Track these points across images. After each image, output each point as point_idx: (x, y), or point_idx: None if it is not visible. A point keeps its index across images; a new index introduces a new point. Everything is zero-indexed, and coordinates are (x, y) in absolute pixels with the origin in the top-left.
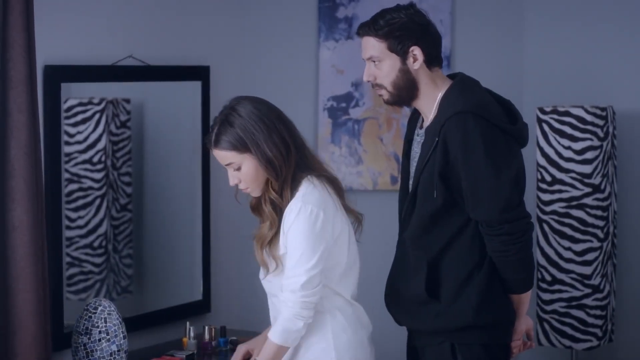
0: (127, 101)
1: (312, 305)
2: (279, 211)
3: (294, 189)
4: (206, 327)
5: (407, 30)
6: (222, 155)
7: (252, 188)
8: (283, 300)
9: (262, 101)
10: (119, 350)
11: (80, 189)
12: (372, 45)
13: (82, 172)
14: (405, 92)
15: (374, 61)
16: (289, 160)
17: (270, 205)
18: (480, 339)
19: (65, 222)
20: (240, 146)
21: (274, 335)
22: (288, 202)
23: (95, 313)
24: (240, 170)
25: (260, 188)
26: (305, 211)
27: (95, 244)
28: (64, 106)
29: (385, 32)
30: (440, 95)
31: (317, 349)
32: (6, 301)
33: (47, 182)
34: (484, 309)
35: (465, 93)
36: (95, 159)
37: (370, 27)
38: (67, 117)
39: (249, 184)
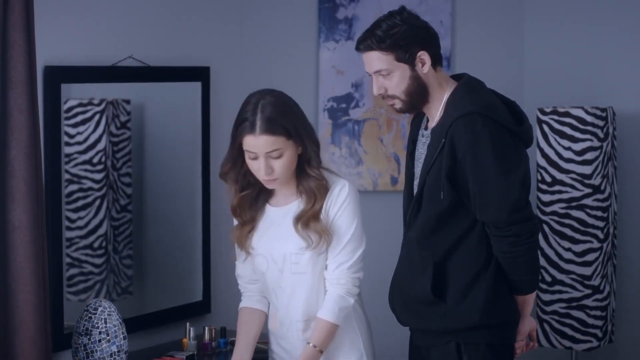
0: (127, 102)
1: (359, 283)
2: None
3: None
4: (206, 328)
5: (410, 37)
6: (271, 141)
7: (284, 178)
8: (331, 278)
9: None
10: (119, 351)
11: (81, 190)
12: (378, 59)
13: (82, 173)
14: (417, 98)
15: (383, 74)
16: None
17: (314, 182)
18: (487, 338)
19: (66, 222)
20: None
21: (331, 315)
22: (326, 181)
23: (95, 314)
24: (282, 158)
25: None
26: (353, 189)
27: (96, 245)
28: (64, 107)
29: (390, 44)
30: (446, 96)
31: (347, 341)
32: (6, 301)
33: (47, 182)
34: (490, 309)
35: (472, 94)
36: (96, 160)
37: (372, 41)
38: (67, 118)
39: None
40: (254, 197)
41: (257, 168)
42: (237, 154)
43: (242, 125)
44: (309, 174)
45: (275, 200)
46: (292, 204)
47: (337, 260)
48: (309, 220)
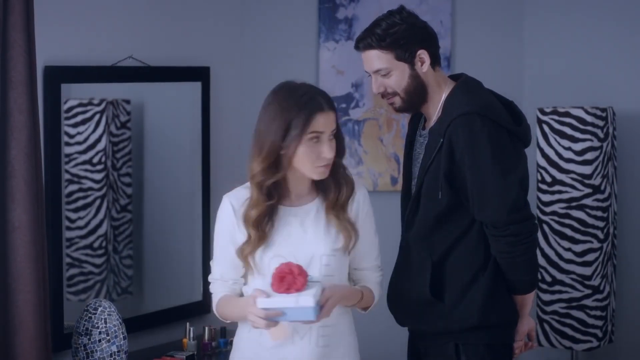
0: (127, 102)
1: None
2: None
3: None
4: (206, 328)
5: (410, 36)
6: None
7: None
8: (370, 275)
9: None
10: (119, 351)
11: (81, 190)
12: (378, 58)
13: (82, 173)
14: (416, 97)
15: (382, 73)
16: None
17: (342, 171)
18: (485, 339)
19: (66, 222)
20: None
21: (377, 291)
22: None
23: (95, 314)
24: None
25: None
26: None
27: (96, 245)
28: (64, 107)
29: (389, 43)
30: (444, 96)
31: (346, 342)
32: (6, 301)
33: (48, 182)
34: (489, 309)
35: (470, 94)
36: (95, 160)
37: (372, 40)
38: (67, 118)
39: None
40: (272, 207)
41: (319, 151)
42: (276, 157)
43: (307, 107)
44: (337, 164)
45: (289, 200)
46: (311, 204)
47: (375, 265)
48: (339, 211)
